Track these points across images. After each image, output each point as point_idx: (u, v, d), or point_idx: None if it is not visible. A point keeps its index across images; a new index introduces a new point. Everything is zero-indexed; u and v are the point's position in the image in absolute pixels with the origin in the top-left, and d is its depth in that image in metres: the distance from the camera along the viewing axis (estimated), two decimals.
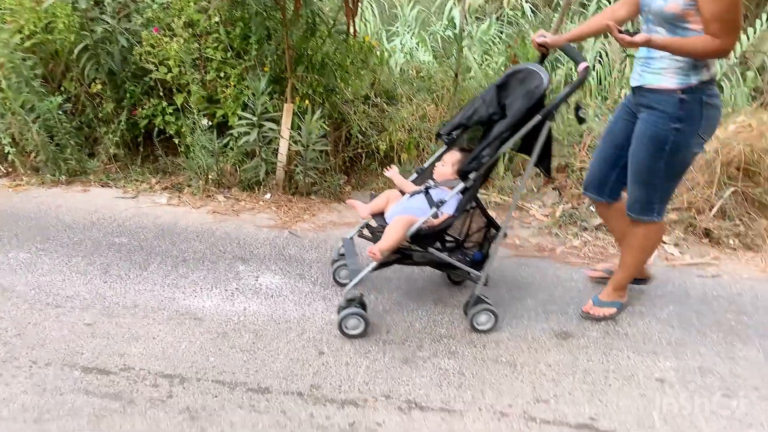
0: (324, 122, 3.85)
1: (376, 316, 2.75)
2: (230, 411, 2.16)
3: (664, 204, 2.60)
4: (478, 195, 2.86)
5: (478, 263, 2.70)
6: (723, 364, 2.53)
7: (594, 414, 2.22)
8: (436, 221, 2.56)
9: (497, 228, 2.74)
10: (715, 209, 3.61)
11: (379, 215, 2.72)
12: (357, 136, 4.06)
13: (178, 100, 3.94)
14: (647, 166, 2.49)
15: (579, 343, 2.64)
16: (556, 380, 2.39)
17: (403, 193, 2.79)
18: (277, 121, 3.78)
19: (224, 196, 3.87)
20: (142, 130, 4.14)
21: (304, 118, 3.70)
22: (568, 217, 3.70)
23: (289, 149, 3.79)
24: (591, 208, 3.72)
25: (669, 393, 2.34)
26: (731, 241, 3.50)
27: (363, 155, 4.15)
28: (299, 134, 3.75)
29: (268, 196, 3.87)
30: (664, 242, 3.51)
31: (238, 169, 3.95)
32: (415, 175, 2.89)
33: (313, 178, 3.87)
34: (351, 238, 2.85)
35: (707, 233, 3.56)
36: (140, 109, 4.05)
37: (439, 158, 2.84)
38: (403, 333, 2.65)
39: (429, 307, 2.84)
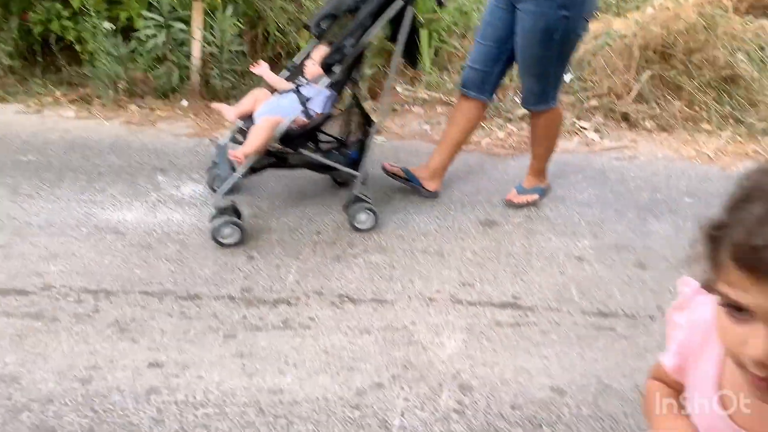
0: (238, 20, 3.62)
1: (306, 218, 2.74)
2: (160, 320, 2.14)
3: (557, 90, 2.65)
4: (358, 91, 2.76)
5: (357, 162, 2.65)
6: (637, 240, 2.68)
7: (516, 293, 2.34)
8: (305, 121, 2.47)
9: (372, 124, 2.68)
10: (633, 93, 3.70)
11: (249, 117, 2.58)
12: (275, 35, 3.86)
13: (75, 2, 3.59)
14: (540, 58, 2.51)
15: (503, 229, 2.73)
16: (481, 265, 2.48)
17: (273, 92, 2.66)
18: (187, 22, 3.53)
19: (138, 106, 3.66)
20: (38, 38, 3.79)
21: (215, 16, 3.47)
22: (493, 110, 3.71)
23: (202, 51, 3.57)
24: (515, 98, 3.73)
25: (587, 269, 2.48)
26: (647, 124, 3.62)
27: (283, 54, 3.96)
28: (212, 35, 3.52)
29: (184, 103, 3.68)
30: (584, 128, 3.60)
31: (150, 76, 3.71)
32: (287, 73, 2.75)
33: (231, 82, 3.69)
34: (225, 144, 2.71)
35: (625, 117, 3.67)
36: (32, 14, 3.68)
37: (309, 54, 2.71)
38: (334, 233, 2.66)
39: None
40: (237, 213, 2.56)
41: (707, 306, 0.81)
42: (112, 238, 2.56)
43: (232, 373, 1.93)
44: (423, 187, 2.89)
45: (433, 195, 2.90)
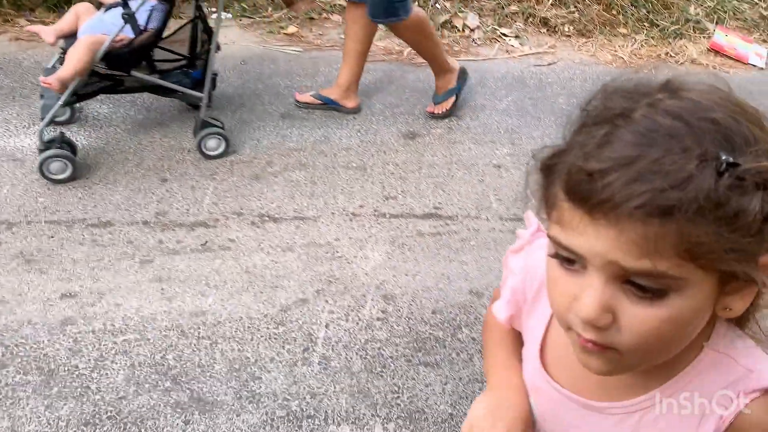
0: None
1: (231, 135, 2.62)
2: (70, 249, 2.04)
3: (405, 1, 2.53)
4: (203, 3, 2.52)
5: (200, 82, 2.45)
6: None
7: (438, 203, 2.37)
8: (131, 38, 2.24)
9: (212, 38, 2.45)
10: None
11: (72, 36, 2.33)
12: None
13: None
14: None
15: (425, 141, 2.72)
16: (403, 177, 2.48)
17: (99, 6, 2.39)
18: None
19: (27, 20, 3.32)
20: None
21: None
22: None
23: None
24: (437, 5, 3.63)
25: (504, 176, 2.53)
26: (567, 29, 3.63)
27: None
28: None
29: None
30: (505, 35, 3.56)
31: None
32: None
33: None
34: (52, 67, 2.39)
35: (545, 22, 3.65)
36: None
37: None
38: (251, 151, 2.57)
39: (276, 122, 2.75)
40: (69, 145, 2.33)
41: (543, 252, 0.69)
42: (10, 165, 2.38)
43: (151, 299, 1.89)
44: (342, 107, 2.81)
45: (354, 111, 2.83)
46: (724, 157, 0.49)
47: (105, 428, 1.54)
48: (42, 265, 1.98)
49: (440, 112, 2.84)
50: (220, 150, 2.49)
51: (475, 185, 2.47)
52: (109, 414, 1.57)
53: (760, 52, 3.62)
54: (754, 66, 3.55)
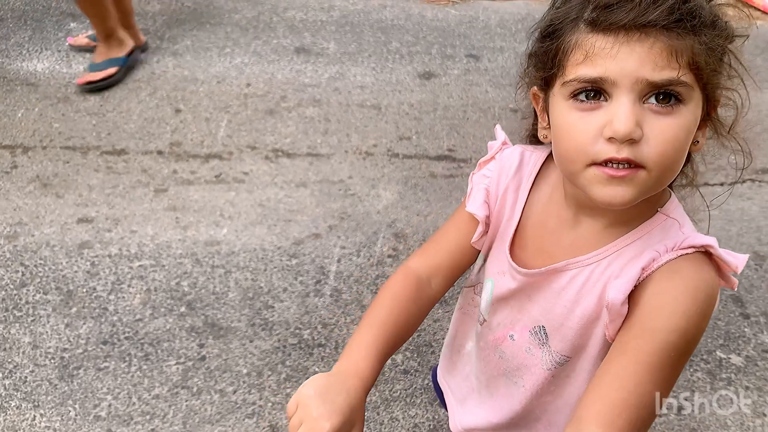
0: None
1: (234, 68, 2.59)
2: (86, 175, 2.06)
3: None
4: None
5: None
6: None
7: (452, 146, 2.36)
8: None
9: None
10: None
11: None
12: None
13: None
14: None
15: (441, 81, 2.68)
16: (418, 118, 2.47)
17: None
18: None
19: None
20: None
21: None
22: None
23: None
24: None
25: (521, 121, 2.50)
26: None
27: None
28: None
29: None
30: None
31: None
32: None
33: None
34: None
35: None
36: None
37: None
38: (265, 85, 2.54)
39: (291, 56, 2.71)
40: None
41: (515, 153, 0.84)
42: (24, 90, 2.37)
43: (165, 227, 1.91)
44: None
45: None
46: None
47: (123, 347, 1.59)
48: (58, 190, 1.99)
49: (89, 81, 2.38)
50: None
51: (490, 129, 2.45)
52: (126, 334, 1.62)
53: None
54: None
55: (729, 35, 0.68)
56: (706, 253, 0.71)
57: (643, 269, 0.70)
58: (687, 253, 0.70)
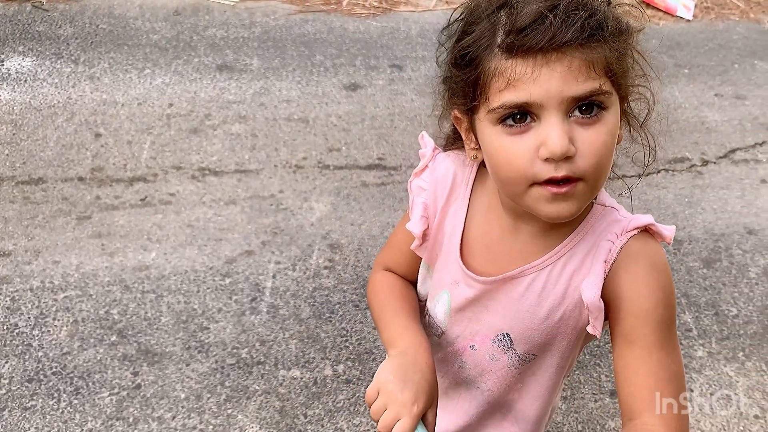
0: None
1: (155, 89, 2.54)
2: (1, 207, 1.96)
3: None
4: None
5: None
6: None
7: (382, 154, 2.39)
8: None
9: None
10: None
11: None
12: None
13: None
14: None
15: (367, 92, 2.71)
16: (346, 129, 2.48)
17: None
18: None
19: None
20: None
21: None
22: None
23: None
24: None
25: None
26: None
27: None
28: None
29: None
30: None
31: None
32: None
33: None
34: None
35: None
36: None
37: None
38: (188, 104, 2.50)
39: (213, 74, 2.68)
40: None
41: (448, 163, 0.85)
42: None
43: (91, 255, 1.84)
44: None
45: None
46: None
47: (51, 383, 1.52)
48: None
49: None
50: None
51: (416, 136, 2.49)
52: (53, 369, 1.55)
53: (688, 5, 3.75)
54: (682, 18, 3.68)
55: (631, 34, 0.71)
56: (646, 229, 0.77)
57: (605, 262, 0.75)
58: (634, 235, 0.76)
